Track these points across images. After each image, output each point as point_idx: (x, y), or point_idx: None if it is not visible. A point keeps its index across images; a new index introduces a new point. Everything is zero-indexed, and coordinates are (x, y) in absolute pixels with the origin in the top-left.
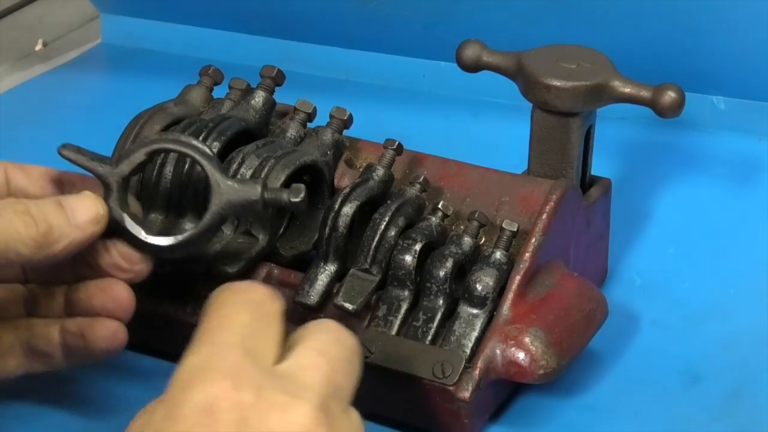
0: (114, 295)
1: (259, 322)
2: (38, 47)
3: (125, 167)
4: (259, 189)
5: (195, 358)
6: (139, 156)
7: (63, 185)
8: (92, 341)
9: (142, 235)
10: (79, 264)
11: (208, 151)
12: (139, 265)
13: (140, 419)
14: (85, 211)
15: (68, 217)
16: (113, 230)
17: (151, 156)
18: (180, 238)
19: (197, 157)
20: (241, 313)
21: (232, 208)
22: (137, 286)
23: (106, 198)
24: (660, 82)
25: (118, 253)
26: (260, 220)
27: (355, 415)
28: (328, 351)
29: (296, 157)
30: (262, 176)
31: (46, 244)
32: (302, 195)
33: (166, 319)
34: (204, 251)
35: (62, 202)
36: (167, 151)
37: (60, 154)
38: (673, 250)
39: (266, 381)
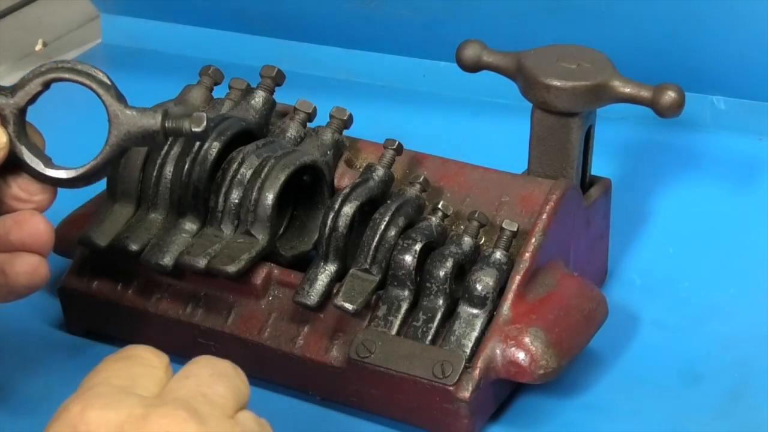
0: (30, 229)
1: (131, 364)
2: (38, 47)
3: (21, 98)
4: (159, 118)
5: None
6: (35, 86)
7: None
8: (12, 277)
9: (41, 167)
10: None
11: (105, 79)
12: (39, 196)
13: None
14: None
15: None
16: (13, 162)
17: (47, 85)
18: (80, 170)
19: (94, 86)
20: (113, 363)
21: (132, 139)
22: (139, 285)
23: (3, 125)
24: (660, 82)
25: (16, 185)
26: (159, 148)
27: (245, 418)
28: (195, 373)
29: (296, 157)
30: (262, 176)
31: None
32: (203, 125)
33: (166, 319)
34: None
35: None
36: (63, 81)
37: None
38: (673, 250)
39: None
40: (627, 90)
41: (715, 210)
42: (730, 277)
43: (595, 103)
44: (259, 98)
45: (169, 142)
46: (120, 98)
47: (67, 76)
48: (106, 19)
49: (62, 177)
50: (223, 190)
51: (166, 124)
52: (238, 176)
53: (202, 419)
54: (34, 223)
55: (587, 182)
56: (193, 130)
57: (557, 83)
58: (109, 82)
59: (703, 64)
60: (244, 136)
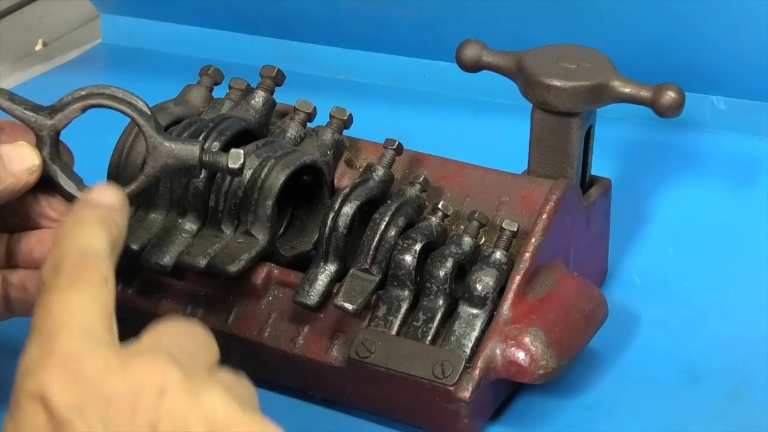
0: (48, 244)
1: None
2: (38, 47)
3: (59, 121)
4: (197, 152)
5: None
6: (73, 111)
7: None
8: (33, 294)
9: (74, 189)
10: (8, 213)
11: (146, 108)
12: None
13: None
14: (20, 161)
15: (3, 164)
16: (45, 182)
17: (85, 110)
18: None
19: (134, 115)
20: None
21: (168, 171)
22: (139, 285)
23: (39, 148)
24: (660, 82)
25: (47, 204)
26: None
27: (221, 372)
28: (166, 330)
29: (296, 157)
30: (262, 176)
31: None
32: (241, 161)
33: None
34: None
35: None
36: (103, 107)
37: None
38: (673, 250)
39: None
40: (627, 90)
41: (715, 210)
42: (730, 277)
43: (595, 103)
44: (259, 98)
45: None
46: (159, 128)
47: (107, 103)
48: (106, 19)
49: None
50: (223, 190)
51: (204, 158)
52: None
53: (181, 365)
54: (48, 237)
55: (587, 182)
56: (230, 166)
57: (557, 83)
58: (149, 112)
59: (703, 64)
60: (244, 136)
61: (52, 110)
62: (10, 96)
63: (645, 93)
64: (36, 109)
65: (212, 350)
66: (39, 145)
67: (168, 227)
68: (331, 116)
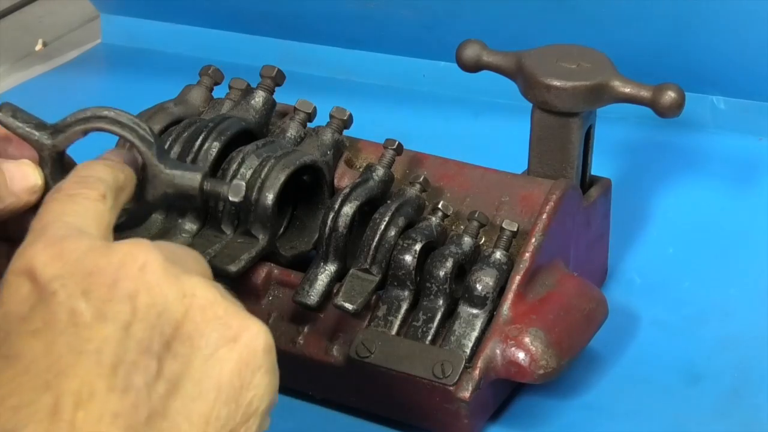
0: None
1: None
2: (38, 47)
3: (60, 142)
4: (198, 181)
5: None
6: (75, 134)
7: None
8: None
9: None
10: (10, 224)
11: (148, 135)
12: None
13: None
14: (22, 180)
15: (6, 182)
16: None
17: (86, 133)
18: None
19: (136, 142)
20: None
21: (168, 199)
22: None
23: (41, 167)
24: (660, 82)
25: None
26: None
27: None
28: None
29: (296, 157)
30: (262, 176)
31: None
32: (242, 194)
33: None
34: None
35: (1, 166)
36: (104, 131)
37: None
38: (673, 250)
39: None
40: (627, 90)
41: (715, 210)
42: (730, 277)
43: (595, 103)
44: (259, 98)
45: (168, 142)
46: (161, 155)
47: (108, 128)
48: (106, 19)
49: None
50: None
51: (205, 187)
52: (238, 176)
53: (164, 253)
54: None
55: (587, 182)
56: (230, 198)
57: (557, 83)
58: (151, 139)
59: (703, 64)
60: (244, 136)
61: (55, 130)
62: (14, 112)
63: (645, 93)
64: (39, 127)
65: (204, 265)
66: (41, 163)
67: (168, 227)
68: (331, 116)
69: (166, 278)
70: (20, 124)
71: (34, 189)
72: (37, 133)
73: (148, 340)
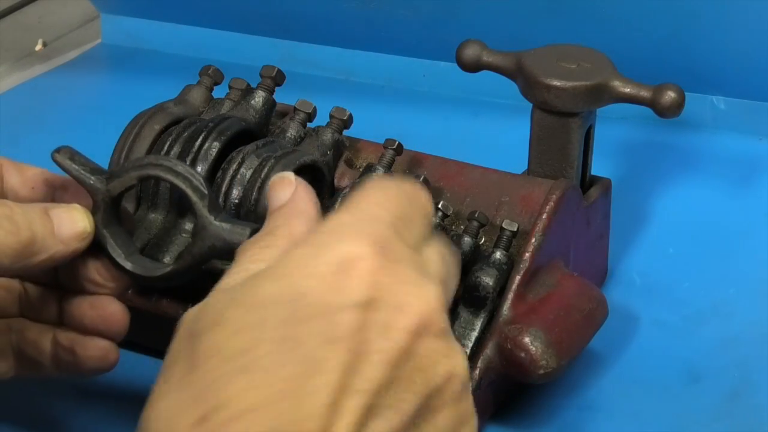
0: (105, 314)
1: (411, 209)
2: (38, 47)
3: (114, 187)
4: (247, 236)
5: (346, 216)
6: (130, 179)
7: (56, 189)
8: (82, 359)
9: (121, 258)
10: (60, 270)
11: (201, 186)
12: (113, 283)
13: (264, 248)
14: (71, 226)
15: (53, 229)
16: (96, 246)
17: (141, 180)
18: (158, 272)
19: (188, 192)
20: (394, 198)
21: (215, 252)
22: (136, 285)
23: (93, 212)
24: (660, 82)
25: (95, 268)
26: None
27: (430, 252)
28: (444, 253)
29: (296, 157)
30: (262, 176)
31: (27, 255)
32: None
33: (166, 318)
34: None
35: (50, 212)
36: (159, 179)
37: (52, 158)
38: (673, 250)
39: (407, 257)
40: (627, 90)
41: (715, 210)
42: (730, 277)
43: (595, 103)
44: (259, 98)
45: (168, 142)
46: (213, 207)
47: (163, 175)
48: (106, 19)
49: (138, 273)
50: (223, 189)
51: None
52: (238, 176)
53: (384, 243)
54: (110, 308)
55: (587, 182)
56: None
57: (557, 83)
58: (205, 191)
59: (703, 64)
60: (244, 136)
61: (110, 175)
62: (71, 155)
63: (645, 93)
64: (94, 171)
65: (426, 211)
66: (94, 208)
67: (168, 227)
68: (331, 116)
69: (390, 276)
70: (76, 167)
71: (82, 236)
72: (92, 178)
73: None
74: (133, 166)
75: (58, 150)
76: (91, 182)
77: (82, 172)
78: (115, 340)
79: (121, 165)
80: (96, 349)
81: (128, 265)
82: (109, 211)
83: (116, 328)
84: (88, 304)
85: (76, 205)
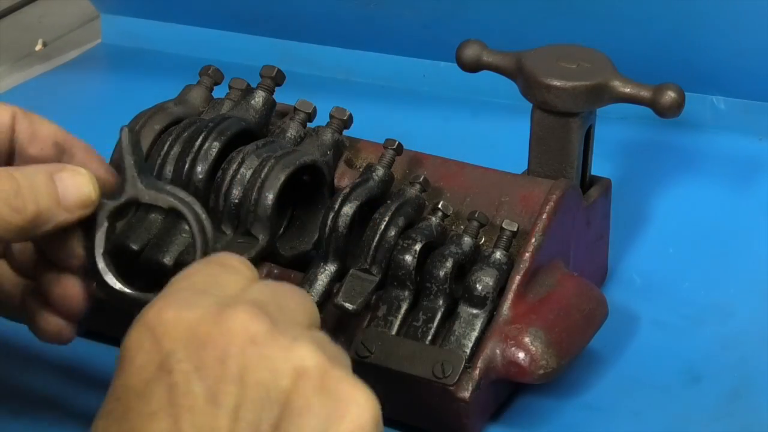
0: (66, 293)
1: (220, 270)
2: (38, 47)
3: (142, 194)
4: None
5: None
6: (161, 201)
7: (64, 153)
8: (39, 330)
9: (111, 280)
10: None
11: (208, 229)
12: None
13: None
14: (76, 191)
15: (58, 197)
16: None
17: (169, 211)
18: (150, 296)
19: (197, 234)
20: (202, 267)
21: None
22: (136, 286)
23: (97, 227)
24: (660, 82)
25: (78, 246)
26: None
27: (319, 334)
28: (275, 285)
29: (296, 157)
30: (262, 176)
31: (31, 229)
32: None
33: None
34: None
35: (54, 176)
36: (181, 217)
37: (121, 131)
38: (673, 250)
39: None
40: (627, 90)
41: (715, 210)
42: (730, 277)
43: (595, 103)
44: (259, 98)
45: (168, 142)
46: (214, 240)
47: (187, 217)
48: (106, 19)
49: (129, 294)
50: (223, 190)
51: None
52: (238, 176)
53: (274, 321)
54: (72, 291)
55: (587, 182)
56: None
57: (557, 83)
58: (210, 229)
59: (703, 64)
60: (244, 136)
61: (154, 182)
62: (135, 142)
63: (645, 93)
64: (142, 168)
65: (311, 312)
66: (98, 221)
67: (168, 227)
68: (331, 116)
69: (276, 350)
70: (129, 156)
71: (86, 203)
72: (135, 171)
73: (257, 423)
74: (176, 195)
75: (130, 128)
76: (132, 176)
77: (130, 161)
78: (71, 320)
79: (159, 179)
80: (52, 324)
81: (123, 288)
82: (126, 208)
83: (74, 309)
84: (56, 278)
85: (82, 170)
